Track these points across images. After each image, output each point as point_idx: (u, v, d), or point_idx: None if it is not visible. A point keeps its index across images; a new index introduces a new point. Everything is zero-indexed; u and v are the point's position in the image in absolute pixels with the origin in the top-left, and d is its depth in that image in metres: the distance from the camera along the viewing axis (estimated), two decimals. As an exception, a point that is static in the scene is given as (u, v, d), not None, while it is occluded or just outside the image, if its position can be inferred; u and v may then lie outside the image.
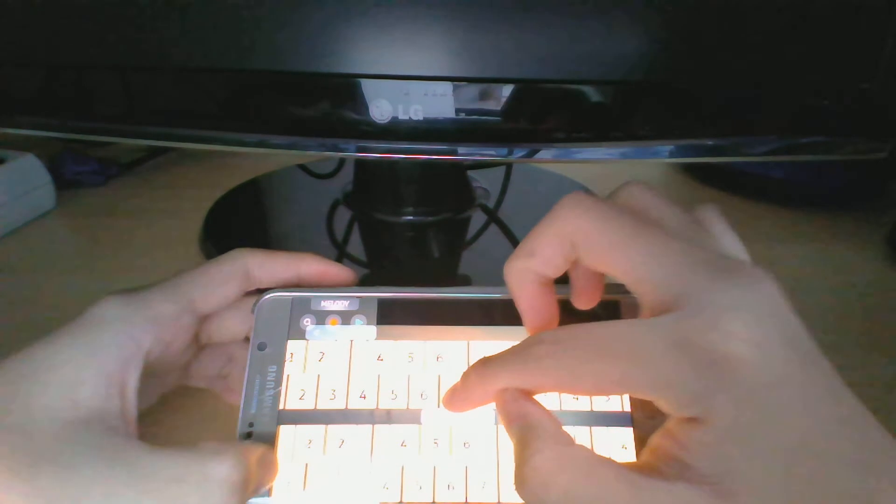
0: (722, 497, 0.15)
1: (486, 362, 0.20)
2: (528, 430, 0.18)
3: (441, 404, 0.22)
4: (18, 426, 0.19)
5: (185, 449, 0.20)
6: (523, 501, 0.18)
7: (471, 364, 0.21)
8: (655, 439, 0.18)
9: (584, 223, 0.19)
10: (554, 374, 0.18)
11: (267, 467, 0.22)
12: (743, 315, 0.16)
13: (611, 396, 0.23)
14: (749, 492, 0.15)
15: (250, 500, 0.22)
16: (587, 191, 0.46)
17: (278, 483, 0.22)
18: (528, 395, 0.19)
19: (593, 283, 0.23)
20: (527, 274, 0.21)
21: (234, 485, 0.20)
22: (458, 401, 0.21)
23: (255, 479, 0.21)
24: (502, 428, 0.23)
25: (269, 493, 0.22)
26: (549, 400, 0.23)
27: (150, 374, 0.23)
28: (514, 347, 0.19)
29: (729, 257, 0.19)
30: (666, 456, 0.17)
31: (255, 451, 0.21)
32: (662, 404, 0.17)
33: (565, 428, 0.23)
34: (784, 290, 0.18)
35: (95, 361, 0.21)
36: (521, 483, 0.17)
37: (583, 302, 0.23)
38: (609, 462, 0.17)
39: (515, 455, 0.18)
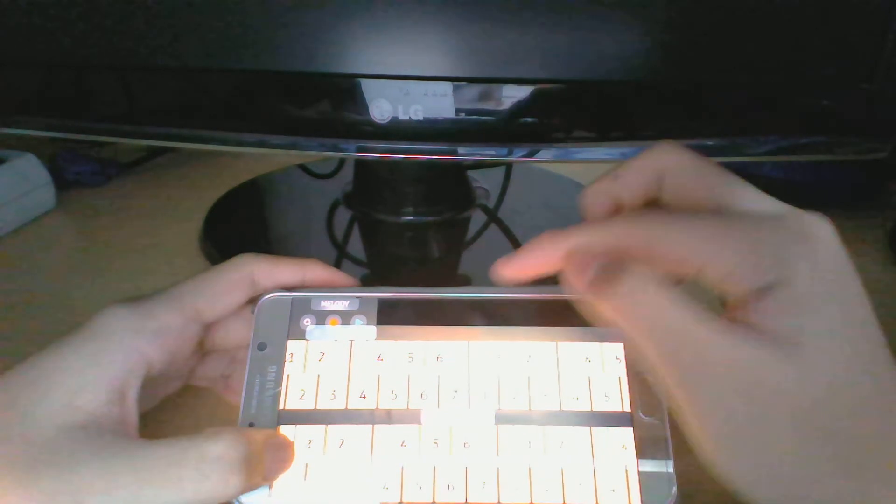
0: (788, 350, 0.17)
1: (559, 230, 0.21)
2: (614, 265, 0.19)
3: (495, 272, 0.22)
4: (19, 434, 0.19)
5: (183, 437, 0.20)
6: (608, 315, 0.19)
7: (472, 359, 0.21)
8: (724, 312, 0.19)
9: (676, 157, 0.21)
10: (643, 231, 0.19)
11: (280, 451, 0.22)
12: (823, 225, 0.19)
13: (609, 395, 0.23)
14: (813, 351, 0.17)
15: (249, 497, 0.22)
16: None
17: (278, 483, 0.22)
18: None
19: None
20: (606, 193, 0.22)
21: (232, 462, 0.20)
22: (519, 261, 0.21)
23: (265, 463, 0.21)
24: (502, 428, 0.23)
25: (269, 490, 0.22)
26: (548, 400, 0.23)
27: (153, 380, 0.23)
28: (582, 223, 0.21)
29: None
30: (743, 319, 0.18)
31: (260, 434, 0.22)
32: (743, 270, 0.18)
33: (564, 427, 0.23)
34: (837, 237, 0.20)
35: (98, 371, 0.21)
36: (613, 296, 0.19)
37: None
38: (691, 301, 0.18)
39: (601, 283, 0.19)
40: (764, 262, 0.18)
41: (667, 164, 0.21)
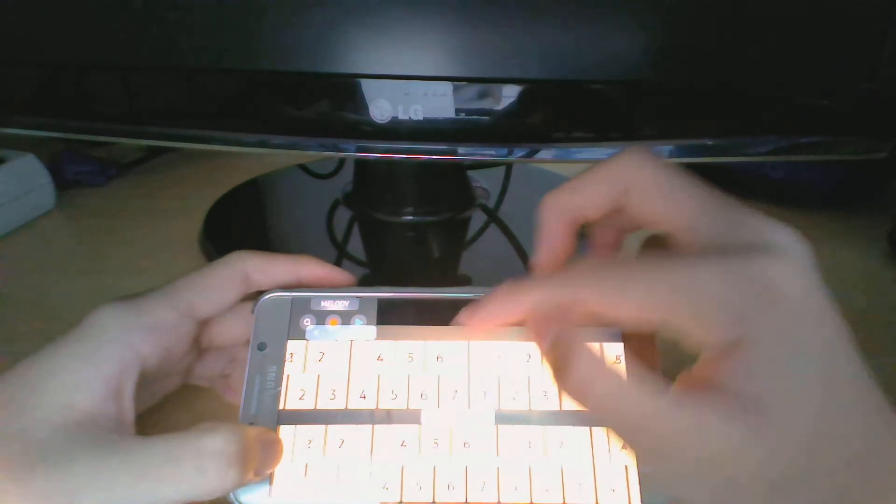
0: (753, 413, 0.16)
1: (518, 282, 0.20)
2: (566, 338, 0.19)
3: (458, 321, 0.22)
4: (15, 433, 0.19)
5: (180, 433, 0.20)
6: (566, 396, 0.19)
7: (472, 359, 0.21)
8: (683, 376, 0.19)
9: (642, 171, 0.20)
10: (598, 288, 0.19)
11: (269, 447, 0.22)
12: (790, 261, 0.17)
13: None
14: (780, 413, 0.16)
15: (249, 496, 0.22)
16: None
17: (278, 482, 0.22)
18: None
19: (615, 240, 0.24)
20: (565, 208, 0.22)
21: (229, 457, 0.20)
22: (482, 313, 0.21)
23: (257, 458, 0.21)
24: (502, 428, 0.23)
25: (269, 489, 0.22)
26: (549, 400, 0.23)
27: (150, 378, 0.23)
28: (548, 274, 0.20)
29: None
30: (697, 382, 0.18)
31: (254, 430, 0.22)
32: (704, 329, 0.17)
33: (564, 427, 0.23)
34: (814, 266, 0.19)
35: (93, 369, 0.21)
36: (564, 383, 0.19)
37: (602, 250, 0.24)
38: (650, 381, 0.18)
39: (556, 362, 0.19)
40: (726, 320, 0.17)
41: (631, 175, 0.20)
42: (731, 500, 0.17)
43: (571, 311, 0.19)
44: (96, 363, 0.21)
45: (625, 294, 0.18)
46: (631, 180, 0.20)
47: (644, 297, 0.18)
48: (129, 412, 0.22)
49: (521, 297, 0.20)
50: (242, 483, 0.20)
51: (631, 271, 0.18)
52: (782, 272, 0.17)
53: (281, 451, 0.22)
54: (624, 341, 0.24)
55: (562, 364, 0.19)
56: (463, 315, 0.22)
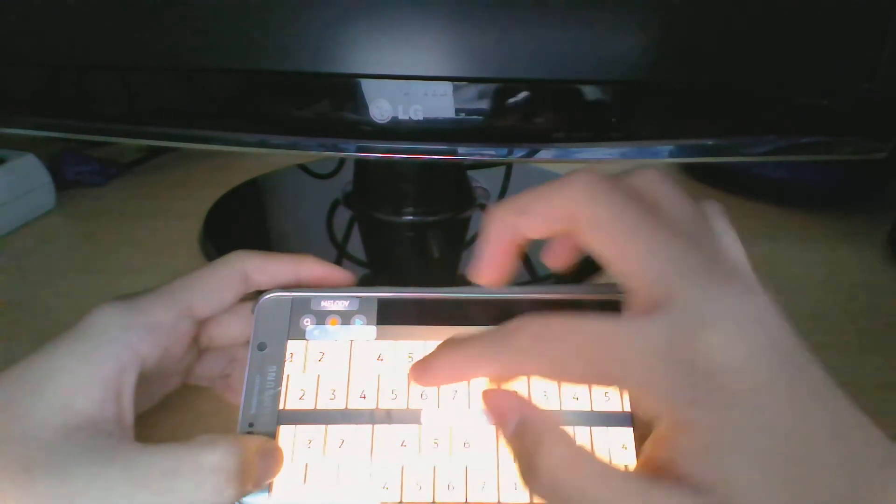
0: (702, 497, 0.15)
1: (460, 343, 0.20)
2: (532, 425, 0.18)
3: (409, 375, 0.22)
4: (14, 436, 0.19)
5: (180, 444, 0.20)
6: (532, 493, 0.18)
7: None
8: (649, 446, 0.18)
9: (590, 204, 0.19)
10: (537, 367, 0.18)
11: (269, 457, 0.22)
12: (728, 323, 0.16)
13: (609, 394, 0.23)
14: (744, 498, 0.15)
15: (249, 498, 0.22)
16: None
17: (278, 483, 0.22)
18: (505, 382, 0.20)
19: (571, 253, 0.23)
20: (509, 227, 0.21)
21: (228, 473, 0.20)
22: (427, 376, 0.21)
23: (256, 470, 0.21)
24: (502, 428, 0.23)
25: (269, 490, 0.22)
26: (549, 400, 0.23)
27: (149, 378, 0.23)
28: (491, 332, 0.19)
29: (726, 261, 0.19)
30: (662, 462, 0.17)
31: (254, 442, 0.21)
32: (648, 407, 0.17)
33: (564, 428, 0.23)
34: (773, 299, 0.18)
35: (91, 369, 0.21)
36: (533, 478, 0.17)
37: (552, 262, 0.23)
38: (616, 468, 0.17)
39: (521, 451, 0.18)
40: (666, 406, 0.17)
41: (576, 206, 0.19)
42: None
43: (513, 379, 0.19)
44: (95, 364, 0.21)
45: (565, 372, 0.18)
46: (578, 213, 0.19)
47: (583, 377, 0.18)
48: (129, 414, 0.22)
49: (464, 365, 0.20)
50: (241, 496, 0.20)
51: (570, 345, 0.18)
52: (721, 341, 0.16)
53: (281, 461, 0.22)
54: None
55: (530, 454, 0.18)
56: (412, 373, 0.21)
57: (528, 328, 0.18)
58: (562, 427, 0.18)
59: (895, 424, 0.18)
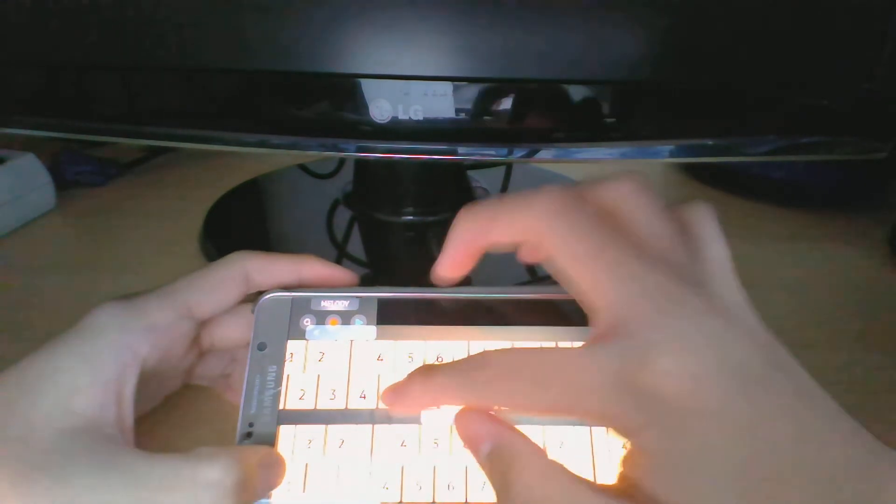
0: None
1: (430, 373, 0.20)
2: (503, 448, 0.19)
3: (383, 400, 0.22)
4: (16, 436, 0.19)
5: (180, 455, 0.20)
6: None
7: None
8: (622, 464, 0.18)
9: (556, 224, 0.19)
10: (504, 399, 0.19)
11: (272, 468, 0.22)
12: (679, 349, 0.16)
13: None
14: None
15: None
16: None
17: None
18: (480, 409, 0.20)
19: (540, 257, 0.23)
20: (477, 230, 0.21)
21: (226, 488, 0.19)
22: (399, 404, 0.21)
23: (258, 482, 0.21)
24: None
25: (268, 495, 0.22)
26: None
27: (150, 379, 0.23)
28: (459, 364, 0.20)
29: (694, 275, 0.18)
30: (632, 482, 0.17)
31: (255, 454, 0.21)
32: (615, 427, 0.18)
33: (564, 427, 0.23)
34: (745, 305, 0.18)
35: (92, 370, 0.21)
36: (507, 500, 0.18)
37: (524, 260, 0.23)
38: (588, 483, 0.17)
39: (494, 475, 0.19)
40: (622, 432, 0.17)
41: (542, 230, 0.19)
42: None
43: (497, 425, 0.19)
44: (96, 366, 0.21)
45: (528, 403, 0.18)
46: (543, 236, 0.19)
47: (549, 409, 0.18)
48: (129, 416, 0.22)
49: (434, 395, 0.20)
50: None
51: (530, 379, 0.18)
52: (671, 368, 0.16)
53: (284, 472, 0.22)
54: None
55: (503, 476, 0.18)
56: (385, 398, 0.21)
57: (490, 363, 0.19)
58: (532, 444, 0.18)
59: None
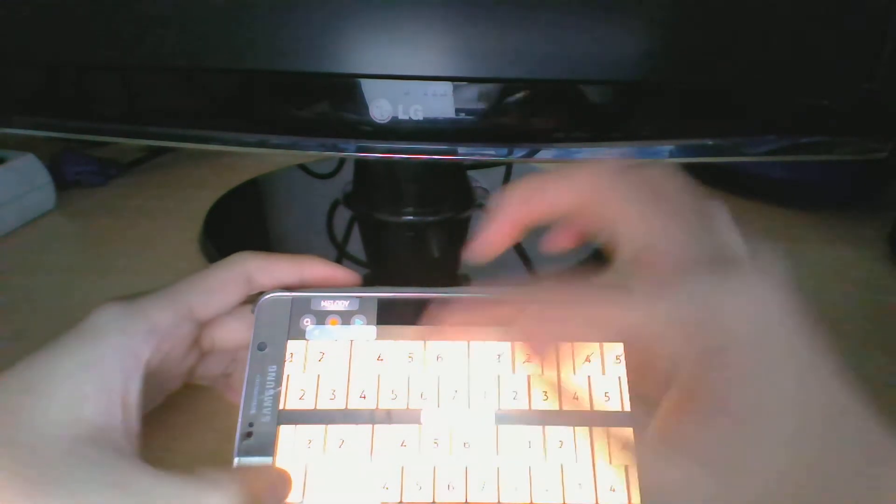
0: (727, 481, 0.16)
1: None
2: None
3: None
4: (23, 441, 0.19)
5: (185, 476, 0.20)
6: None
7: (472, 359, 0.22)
8: (658, 419, 0.19)
9: (618, 184, 0.20)
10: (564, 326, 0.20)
11: (276, 489, 0.22)
12: (742, 303, 0.17)
13: (609, 395, 0.23)
14: (753, 477, 0.16)
15: None
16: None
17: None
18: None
19: (572, 238, 0.24)
20: (524, 202, 0.22)
21: None
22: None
23: (267, 500, 0.21)
24: (502, 428, 0.23)
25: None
26: (549, 400, 0.23)
27: (151, 380, 0.23)
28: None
29: (735, 252, 0.20)
30: (671, 433, 0.18)
31: (261, 477, 0.21)
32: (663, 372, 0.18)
33: (564, 427, 0.23)
34: (789, 284, 0.19)
35: (96, 375, 0.21)
36: None
37: (552, 244, 0.24)
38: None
39: None
40: (678, 377, 0.18)
41: (600, 182, 0.20)
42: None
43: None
44: (100, 372, 0.21)
45: (587, 334, 0.20)
46: (597, 193, 0.20)
47: (607, 334, 0.19)
48: (136, 423, 0.22)
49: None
50: None
51: (593, 307, 0.19)
52: (734, 320, 0.17)
53: (289, 490, 0.22)
54: (624, 340, 0.24)
55: None
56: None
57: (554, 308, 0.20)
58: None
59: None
